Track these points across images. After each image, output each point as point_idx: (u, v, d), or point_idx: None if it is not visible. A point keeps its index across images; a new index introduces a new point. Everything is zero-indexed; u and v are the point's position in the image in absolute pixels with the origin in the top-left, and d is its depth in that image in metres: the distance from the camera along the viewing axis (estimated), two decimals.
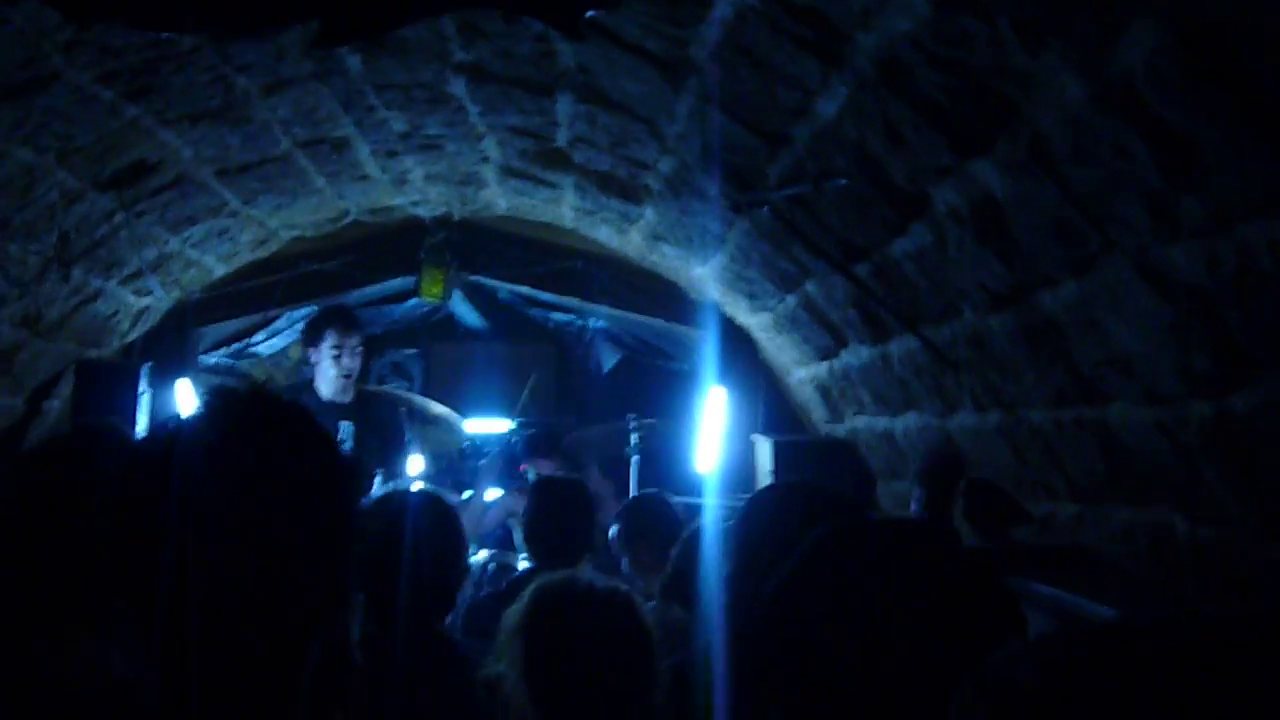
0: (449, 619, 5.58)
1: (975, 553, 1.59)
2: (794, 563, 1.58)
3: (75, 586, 2.41)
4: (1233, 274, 2.38)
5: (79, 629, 2.44)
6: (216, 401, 1.61)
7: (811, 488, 2.94)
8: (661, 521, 5.27)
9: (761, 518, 2.70)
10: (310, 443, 1.61)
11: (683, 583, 3.97)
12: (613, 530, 5.24)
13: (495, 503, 7.81)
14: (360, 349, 6.51)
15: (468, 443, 7.14)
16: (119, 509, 1.53)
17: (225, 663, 1.50)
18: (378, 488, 6.05)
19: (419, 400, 7.97)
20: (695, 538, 4.10)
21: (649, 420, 7.64)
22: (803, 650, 1.49)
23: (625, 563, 5.18)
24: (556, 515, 4.93)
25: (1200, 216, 2.37)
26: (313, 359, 6.50)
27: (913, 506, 4.47)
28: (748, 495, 3.16)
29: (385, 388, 8.91)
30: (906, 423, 5.30)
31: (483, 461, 7.71)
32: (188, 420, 1.59)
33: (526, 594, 3.21)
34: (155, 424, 1.62)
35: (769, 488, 3.07)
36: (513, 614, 3.17)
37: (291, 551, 1.52)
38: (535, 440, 7.70)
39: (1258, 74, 1.98)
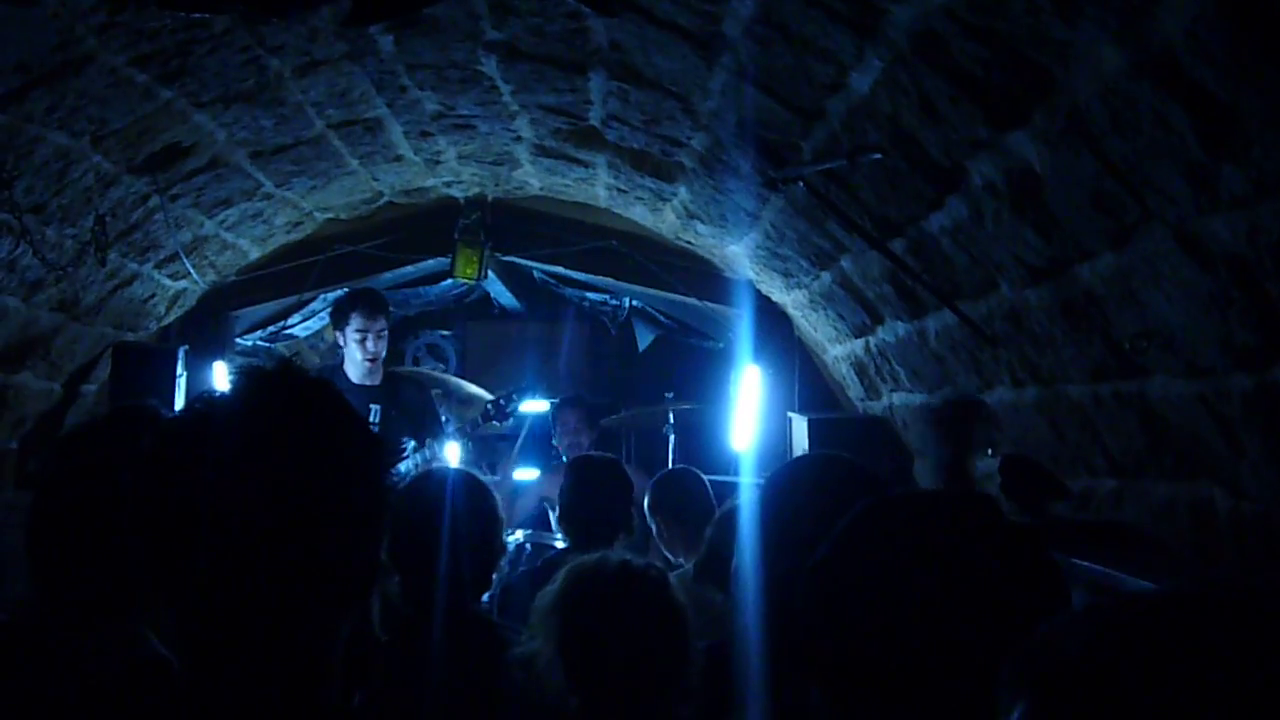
0: (485, 598, 5.61)
1: (1018, 525, 1.57)
2: (835, 539, 1.57)
3: (112, 567, 2.42)
4: (1275, 243, 2.35)
5: (116, 609, 2.45)
6: (245, 380, 1.61)
7: (841, 459, 2.92)
8: (691, 497, 5.25)
9: (796, 491, 2.68)
10: (339, 419, 1.61)
11: (717, 564, 3.96)
12: (645, 501, 5.25)
13: (529, 484, 7.84)
14: (386, 332, 6.53)
15: (489, 404, 7.11)
16: (151, 487, 1.53)
17: (258, 640, 1.51)
18: (410, 468, 6.08)
19: (452, 381, 7.99)
20: (731, 516, 4.08)
21: (684, 405, 7.65)
22: (845, 627, 1.47)
23: (655, 532, 5.18)
24: (592, 495, 4.93)
25: (1241, 186, 2.34)
26: (340, 342, 6.53)
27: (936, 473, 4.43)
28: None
29: (417, 369, 8.93)
30: (944, 399, 5.27)
31: (516, 441, 7.75)
32: (218, 398, 1.59)
33: (561, 573, 3.22)
34: (186, 402, 1.61)
35: (798, 460, 3.04)
36: (548, 593, 3.18)
37: (322, 528, 1.52)
38: (564, 401, 7.73)
39: None
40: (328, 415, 1.59)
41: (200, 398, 1.61)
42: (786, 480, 2.65)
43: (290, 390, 1.59)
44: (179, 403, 6.13)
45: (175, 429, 1.58)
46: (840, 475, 2.66)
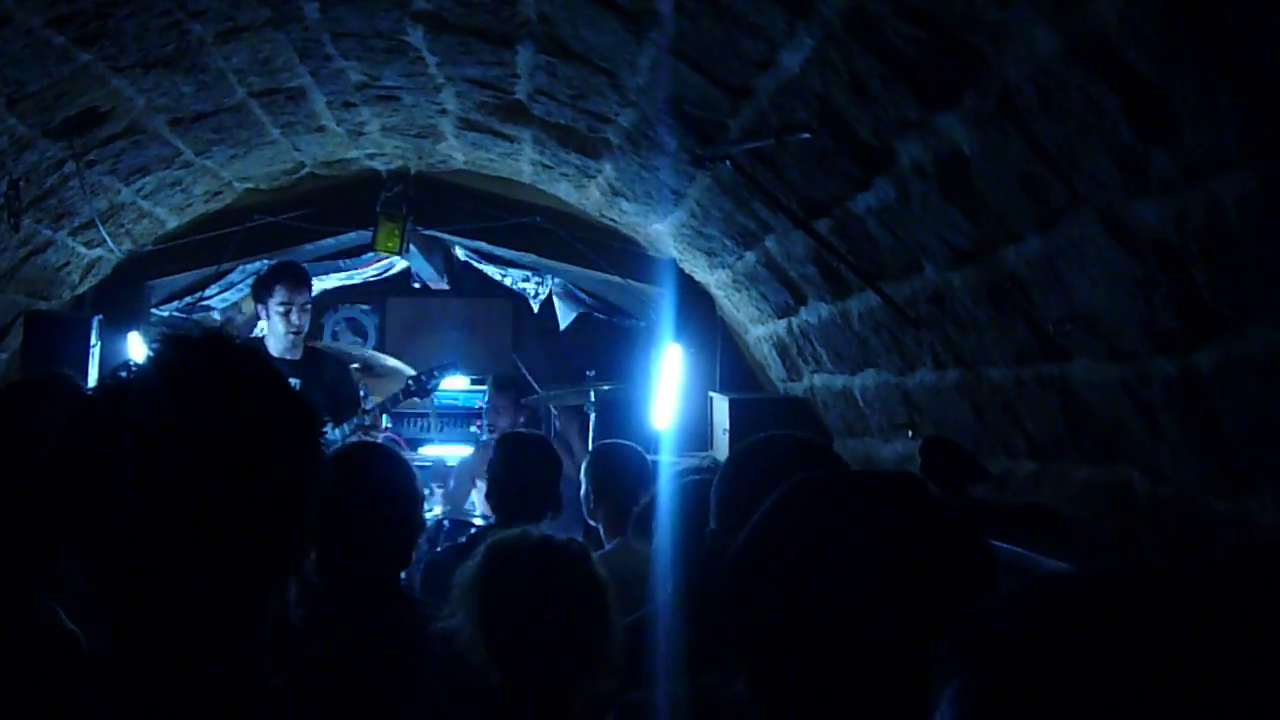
0: (405, 575, 5.57)
1: (948, 505, 1.57)
2: (763, 514, 1.55)
3: (21, 540, 2.37)
4: (1201, 229, 2.36)
5: (22, 582, 2.41)
6: (170, 346, 1.57)
7: (798, 439, 2.93)
8: (621, 475, 5.23)
9: (749, 471, 2.68)
10: (267, 387, 1.58)
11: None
12: (584, 485, 5.21)
13: (460, 465, 7.82)
14: (309, 306, 6.52)
15: (409, 380, 7.08)
16: (69, 458, 1.49)
17: (179, 616, 1.47)
18: (328, 442, 6.02)
19: (370, 355, 7.94)
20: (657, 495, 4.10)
21: (605, 385, 7.64)
22: (770, 603, 1.46)
23: (601, 530, 5.14)
24: (520, 472, 4.92)
25: (1170, 170, 2.35)
26: (262, 315, 6.51)
27: None
28: (706, 453, 3.14)
29: (336, 345, 8.86)
30: (865, 380, 5.29)
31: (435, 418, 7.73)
32: (140, 366, 1.56)
33: (481, 549, 3.21)
34: (107, 371, 1.57)
35: (754, 441, 3.04)
36: (468, 569, 3.17)
37: (250, 500, 1.49)
38: (499, 382, 7.72)
39: (1232, 24, 1.95)
40: (258, 383, 1.57)
41: (124, 365, 1.57)
42: (739, 458, 2.65)
43: (220, 358, 1.56)
44: (92, 372, 6.04)
45: (95, 398, 1.54)
46: (794, 450, 2.66)
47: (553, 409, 8.35)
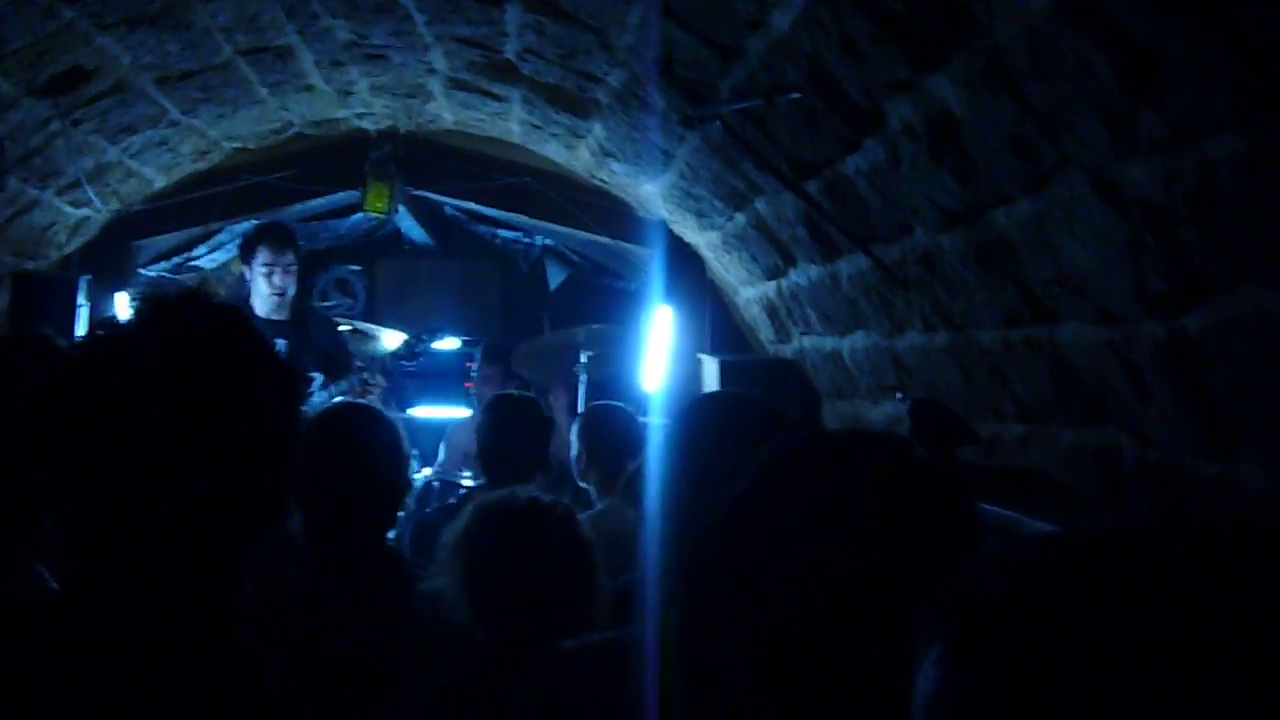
0: (395, 535, 5.57)
1: (934, 467, 1.56)
2: (750, 478, 1.54)
3: (1, 499, 2.35)
4: (1191, 190, 2.35)
5: (4, 542, 2.40)
6: (150, 306, 1.56)
7: (750, 397, 2.90)
8: (612, 437, 5.20)
9: (707, 428, 2.66)
10: (248, 346, 1.57)
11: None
12: (575, 446, 5.19)
13: (451, 432, 7.80)
14: (294, 267, 6.47)
15: (401, 345, 7.06)
16: (45, 417, 1.48)
17: (158, 574, 1.47)
18: (318, 404, 6.01)
19: (360, 326, 7.92)
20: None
21: (597, 326, 7.62)
22: (761, 568, 1.45)
23: (592, 492, 5.12)
24: (509, 433, 4.92)
25: (1160, 132, 2.34)
26: (247, 276, 6.47)
27: None
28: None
29: (324, 308, 8.83)
30: (854, 342, 5.29)
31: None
32: (121, 324, 1.55)
33: (468, 509, 3.21)
34: (88, 328, 1.56)
35: (709, 396, 3.01)
36: (454, 529, 3.17)
37: (229, 458, 1.48)
38: (489, 353, 7.71)
39: None
40: (237, 342, 1.56)
41: (103, 323, 1.56)
42: (697, 413, 2.62)
43: (197, 316, 1.55)
44: (79, 333, 6.02)
45: (76, 355, 1.53)
46: (750, 413, 2.64)
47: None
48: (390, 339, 7.46)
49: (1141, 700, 0.75)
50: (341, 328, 7.35)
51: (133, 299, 6.79)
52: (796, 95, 3.68)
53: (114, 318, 1.59)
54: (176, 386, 1.46)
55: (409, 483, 3.92)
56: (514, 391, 5.91)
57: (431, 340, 7.22)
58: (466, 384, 8.44)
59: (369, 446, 3.59)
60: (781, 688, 1.44)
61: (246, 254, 6.48)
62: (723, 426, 2.46)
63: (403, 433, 3.84)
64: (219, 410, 1.48)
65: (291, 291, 6.50)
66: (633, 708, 2.06)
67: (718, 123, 4.22)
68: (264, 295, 6.40)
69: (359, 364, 6.82)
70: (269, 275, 6.36)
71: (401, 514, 6.18)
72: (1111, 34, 2.26)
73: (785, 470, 1.53)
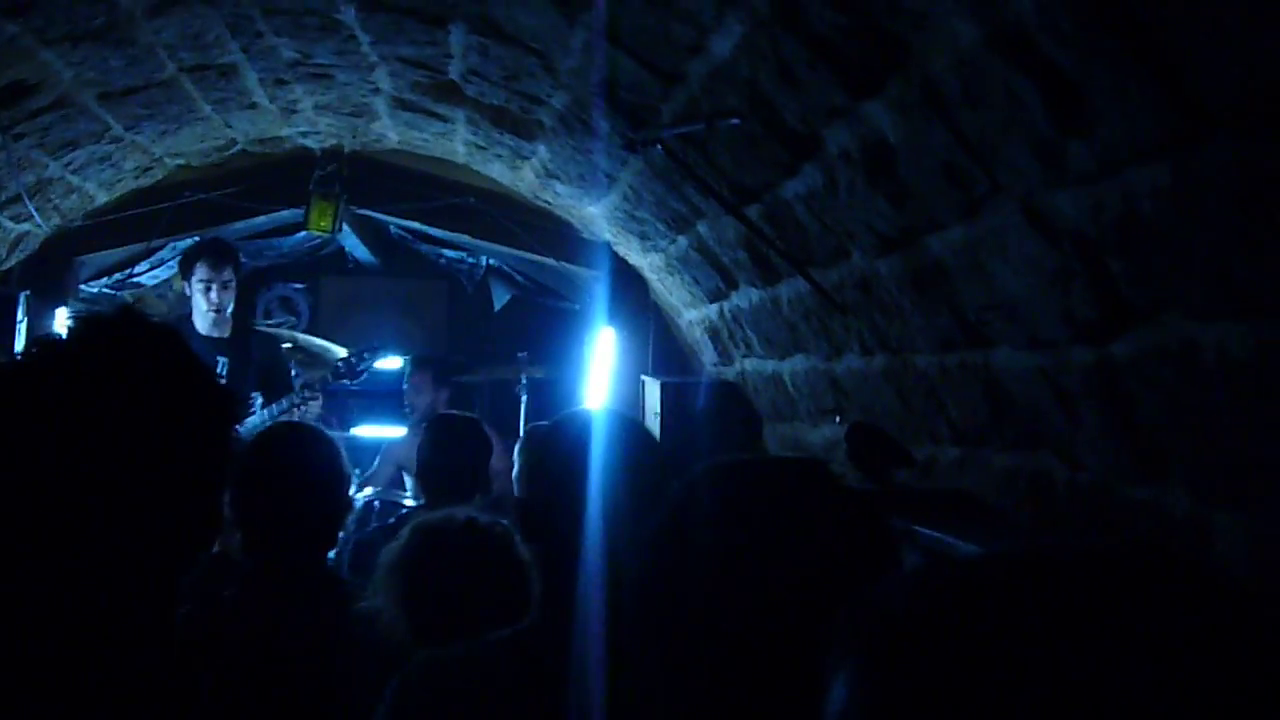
0: (334, 555, 5.55)
1: (854, 491, 1.59)
2: (670, 505, 1.57)
3: None
4: (1117, 220, 2.39)
5: None
6: (84, 325, 1.57)
7: (619, 415, 2.90)
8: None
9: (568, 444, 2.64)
10: (182, 366, 1.57)
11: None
12: (516, 466, 5.18)
13: (393, 444, 7.78)
14: (233, 283, 6.44)
15: (340, 363, 7.03)
16: None
17: (87, 594, 1.47)
18: (257, 423, 5.99)
19: (301, 339, 7.89)
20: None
21: (535, 368, 7.64)
22: (678, 592, 1.47)
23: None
24: (449, 453, 4.92)
25: (1087, 162, 2.38)
26: (187, 292, 6.44)
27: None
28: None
29: (269, 327, 8.79)
30: (794, 365, 5.32)
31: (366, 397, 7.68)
32: (55, 342, 1.55)
33: (406, 529, 3.22)
34: (24, 346, 1.57)
35: (566, 418, 2.90)
36: (392, 549, 3.17)
37: (161, 479, 1.49)
38: (418, 361, 7.70)
39: (1147, 17, 1.98)
40: (170, 362, 1.56)
41: (39, 340, 1.57)
42: (559, 432, 2.63)
43: (131, 336, 1.55)
44: (18, 349, 5.98)
45: (8, 372, 1.53)
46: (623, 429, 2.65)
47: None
48: (337, 351, 7.45)
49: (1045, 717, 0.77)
50: (285, 345, 7.34)
51: (69, 317, 6.74)
52: (736, 121, 3.71)
53: (51, 335, 1.59)
54: (109, 405, 1.47)
55: (349, 502, 3.91)
56: (454, 411, 5.91)
57: (373, 359, 7.20)
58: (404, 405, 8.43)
59: (307, 466, 3.58)
60: (697, 704, 1.46)
61: (185, 269, 6.46)
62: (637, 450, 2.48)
63: (342, 452, 3.83)
64: (151, 429, 1.49)
65: (230, 308, 6.47)
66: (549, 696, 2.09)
67: (659, 147, 4.25)
68: (202, 311, 6.37)
69: (299, 383, 6.81)
70: (206, 291, 6.34)
71: (341, 534, 6.18)
72: (1039, 65, 2.30)
73: (703, 495, 1.55)
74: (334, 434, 4.97)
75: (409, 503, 6.48)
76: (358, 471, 7.41)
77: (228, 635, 3.36)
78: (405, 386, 7.75)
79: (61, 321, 6.66)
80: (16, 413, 1.46)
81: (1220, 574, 0.85)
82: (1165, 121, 2.11)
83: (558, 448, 5.05)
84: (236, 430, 1.68)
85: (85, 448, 1.44)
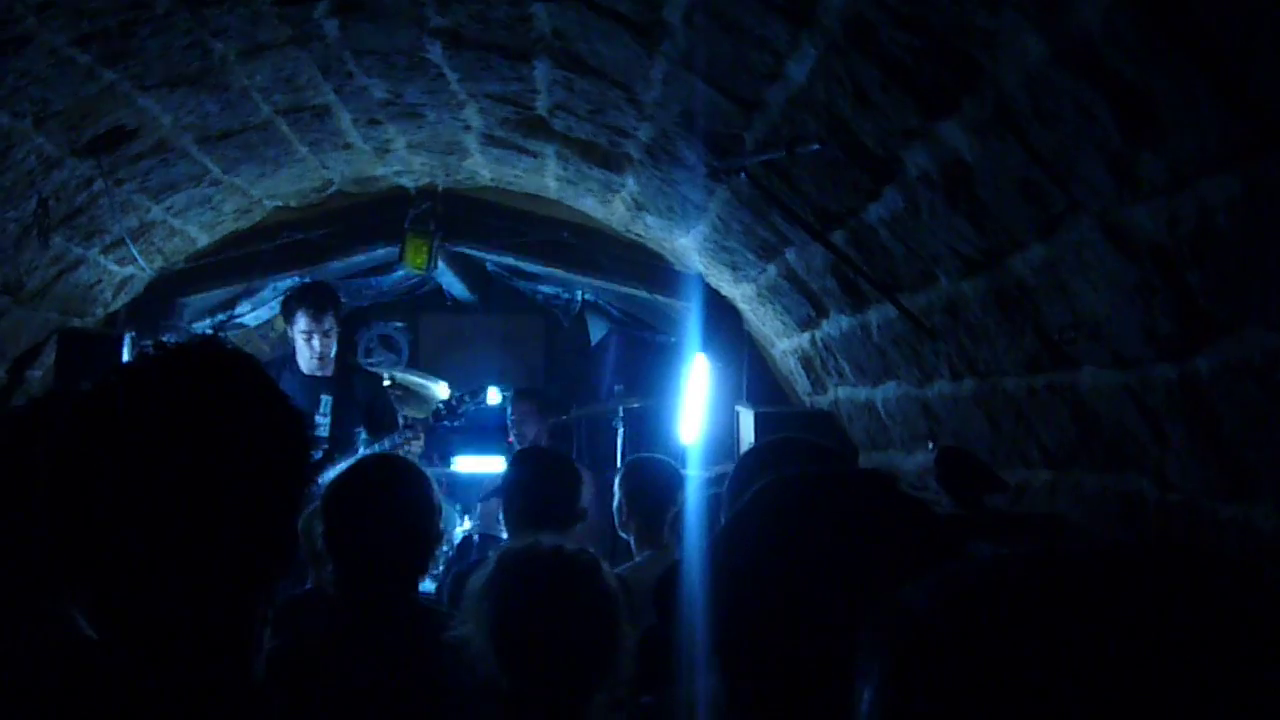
0: (433, 588, 5.59)
1: (917, 500, 1.59)
2: (732, 515, 1.58)
3: (37, 548, 2.40)
4: (1192, 232, 2.37)
5: (42, 590, 2.44)
6: (156, 351, 1.60)
7: (798, 441, 2.93)
8: (654, 487, 5.16)
9: (745, 474, 2.68)
10: (255, 390, 1.60)
11: None
12: (617, 497, 5.18)
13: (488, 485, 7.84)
14: (333, 330, 6.57)
15: (441, 404, 7.10)
16: (58, 462, 1.52)
17: (167, 619, 1.50)
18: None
19: (399, 376, 7.98)
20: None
21: (632, 402, 7.66)
22: (733, 591, 1.48)
23: (632, 542, 5.10)
24: (536, 485, 4.91)
25: (1160, 175, 2.36)
26: (290, 333, 6.59)
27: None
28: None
29: (367, 365, 8.89)
30: (886, 392, 5.30)
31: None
32: (127, 370, 1.59)
33: (492, 558, 3.23)
34: (100, 377, 1.60)
35: (758, 445, 3.03)
36: (479, 578, 3.19)
37: (237, 500, 1.51)
38: (521, 393, 7.75)
39: (1210, 27, 1.96)
40: (244, 386, 1.59)
41: (116, 368, 1.60)
42: (741, 462, 2.65)
43: (204, 361, 1.58)
44: None
45: (85, 400, 1.57)
46: (791, 451, 2.67)
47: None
48: (439, 389, 7.53)
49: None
50: (385, 382, 7.43)
51: (146, 345, 6.86)
52: (816, 146, 3.71)
53: (130, 363, 1.63)
54: (184, 430, 1.49)
55: (440, 534, 3.94)
56: (541, 446, 5.94)
57: (474, 401, 7.24)
58: (509, 439, 8.48)
59: (396, 497, 3.62)
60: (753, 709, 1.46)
61: (287, 316, 6.62)
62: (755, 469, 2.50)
63: (433, 484, 3.87)
64: (226, 454, 1.52)
65: (332, 353, 6.59)
66: None
67: (744, 175, 4.26)
68: (305, 357, 6.52)
69: (403, 422, 6.91)
70: (308, 339, 6.50)
71: (442, 567, 6.24)
72: (1106, 78, 2.29)
73: (766, 502, 1.56)
74: (434, 469, 5.03)
75: (505, 536, 6.50)
76: (459, 507, 7.48)
77: (318, 668, 3.40)
78: (510, 419, 7.79)
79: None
80: (94, 437, 1.50)
81: (1256, 572, 0.84)
82: (1233, 131, 2.09)
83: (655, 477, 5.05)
84: (312, 454, 1.71)
85: (162, 469, 1.47)
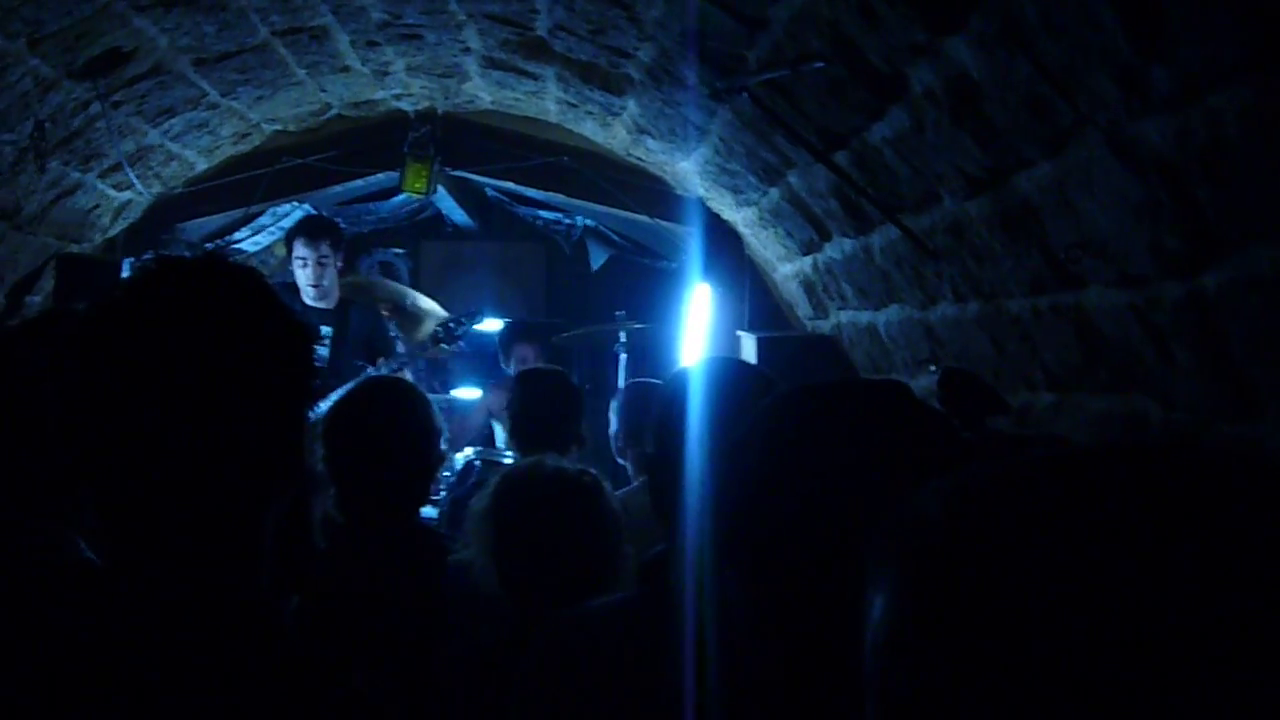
0: (434, 513, 5.60)
1: (932, 409, 1.58)
2: (750, 422, 1.56)
3: (37, 468, 2.39)
4: (1203, 146, 2.34)
5: (41, 511, 2.43)
6: (158, 266, 1.58)
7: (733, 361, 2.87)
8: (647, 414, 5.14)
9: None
10: (258, 303, 1.58)
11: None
12: (613, 423, 5.17)
13: (475, 403, 7.86)
14: (328, 257, 6.62)
15: (439, 328, 7.10)
16: (61, 378, 1.51)
17: (178, 536, 1.49)
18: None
19: (407, 295, 7.95)
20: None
21: (636, 325, 7.63)
22: (759, 504, 1.47)
23: (629, 468, 5.10)
24: (540, 406, 4.92)
25: (1170, 87, 2.32)
26: (290, 265, 6.65)
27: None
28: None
29: (371, 278, 8.86)
30: (889, 316, 5.27)
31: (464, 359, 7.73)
32: (130, 285, 1.57)
33: (493, 479, 3.23)
34: (101, 292, 1.58)
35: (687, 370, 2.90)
36: (481, 497, 3.19)
37: (240, 414, 1.50)
38: (514, 329, 7.73)
39: None
40: (248, 299, 1.57)
41: (117, 286, 1.59)
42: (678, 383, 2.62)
43: (207, 275, 1.57)
44: None
45: (89, 315, 1.55)
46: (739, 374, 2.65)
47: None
48: (429, 319, 7.52)
49: (1083, 626, 0.76)
50: (384, 311, 7.43)
51: (150, 258, 6.85)
52: (820, 64, 3.67)
53: (132, 277, 1.61)
54: (188, 343, 1.48)
55: (441, 457, 3.94)
56: (542, 365, 5.93)
57: (471, 323, 7.25)
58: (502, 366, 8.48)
59: (395, 419, 3.62)
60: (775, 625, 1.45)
61: (288, 245, 6.70)
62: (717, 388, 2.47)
63: (433, 406, 3.86)
64: (231, 367, 1.51)
65: (328, 282, 6.63)
66: (653, 665, 2.08)
67: (746, 95, 4.22)
68: (303, 285, 6.56)
69: (401, 350, 6.93)
70: (304, 267, 6.53)
71: (443, 491, 6.25)
72: None
73: (783, 412, 1.54)
74: (435, 396, 5.02)
75: (507, 460, 6.51)
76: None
77: (323, 586, 3.41)
78: (501, 354, 7.79)
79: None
80: (98, 352, 1.48)
81: (1266, 470, 0.82)
82: (1247, 41, 2.05)
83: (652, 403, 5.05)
84: (318, 367, 1.70)
85: (166, 386, 1.46)
